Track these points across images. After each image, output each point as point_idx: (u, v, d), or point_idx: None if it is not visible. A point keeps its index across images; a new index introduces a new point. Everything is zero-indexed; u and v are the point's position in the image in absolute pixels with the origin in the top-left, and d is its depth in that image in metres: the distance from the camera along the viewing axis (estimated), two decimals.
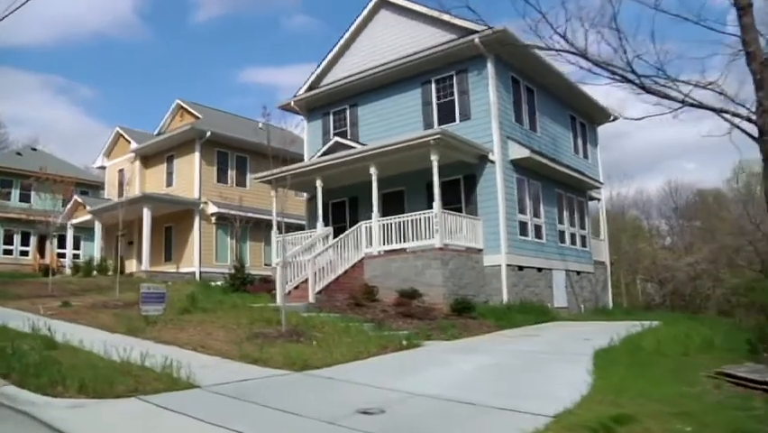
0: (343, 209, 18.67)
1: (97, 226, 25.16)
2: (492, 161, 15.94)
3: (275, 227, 17.87)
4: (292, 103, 19.79)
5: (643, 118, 8.28)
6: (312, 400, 5.90)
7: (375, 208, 15.35)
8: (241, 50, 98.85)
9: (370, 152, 15.19)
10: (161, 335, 10.08)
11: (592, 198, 21.73)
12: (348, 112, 19.14)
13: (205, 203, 24.15)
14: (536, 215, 17.38)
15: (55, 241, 34.77)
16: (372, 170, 15.49)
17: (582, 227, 20.24)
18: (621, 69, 8.33)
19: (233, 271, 16.99)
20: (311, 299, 13.84)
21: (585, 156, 21.55)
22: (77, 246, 36.70)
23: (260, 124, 29.20)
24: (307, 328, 10.59)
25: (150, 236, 22.72)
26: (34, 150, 39.02)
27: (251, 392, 6.07)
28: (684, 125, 76.93)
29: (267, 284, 16.57)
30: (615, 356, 8.29)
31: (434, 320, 12.64)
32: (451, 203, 16.13)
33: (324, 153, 16.79)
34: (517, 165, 16.50)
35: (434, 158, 14.49)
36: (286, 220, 25.92)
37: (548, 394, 5.87)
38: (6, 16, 10.90)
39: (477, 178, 16.18)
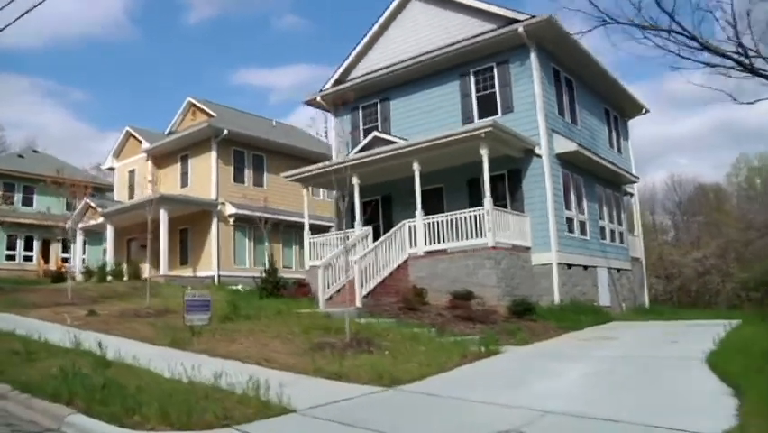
0: (376, 208, 17.73)
1: (109, 230, 24.04)
2: (538, 155, 15.10)
3: (307, 228, 16.93)
4: (318, 98, 18.83)
5: (756, 102, 7.40)
6: (436, 424, 5.07)
7: (419, 206, 14.44)
8: (233, 52, 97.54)
9: (413, 147, 14.28)
10: (213, 347, 9.14)
11: (626, 193, 20.95)
12: (379, 106, 18.22)
13: (223, 204, 23.11)
14: (580, 211, 16.56)
15: (59, 245, 33.72)
16: (415, 166, 14.59)
17: (620, 223, 19.45)
18: (732, 53, 7.46)
19: (263, 274, 16.01)
20: (358, 303, 12.90)
21: (619, 150, 20.77)
22: (82, 251, 35.60)
23: (274, 122, 28.32)
24: (371, 336, 9.68)
25: (167, 240, 21.65)
26: (36, 152, 37.75)
27: (358, 416, 5.21)
28: (683, 121, 76.57)
29: (302, 288, 15.62)
30: (737, 361, 7.43)
31: (495, 323, 11.79)
32: (495, 199, 15.20)
33: (363, 149, 15.83)
34: (562, 159, 15.67)
35: (484, 152, 13.62)
36: (302, 220, 24.93)
37: (692, 407, 5.27)
38: (12, 23, 9.89)
39: (522, 173, 15.33)
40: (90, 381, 6.19)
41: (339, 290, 14.08)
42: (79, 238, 26.32)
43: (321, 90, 19.19)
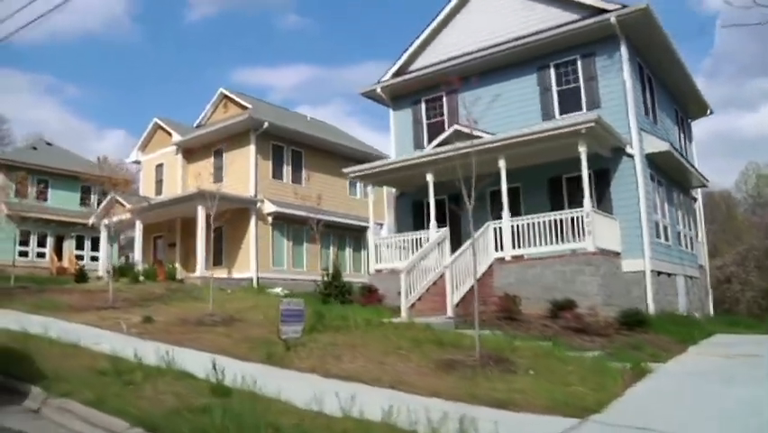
0: (442, 208, 16.74)
1: (138, 227, 22.86)
2: (629, 155, 14.21)
3: (371, 229, 15.90)
4: (378, 89, 17.82)
5: None
6: None
7: (506, 207, 13.51)
8: (232, 51, 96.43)
9: (503, 143, 13.33)
10: (320, 365, 8.12)
11: (693, 198, 20.14)
12: (445, 99, 17.24)
13: (262, 201, 22.01)
14: (663, 215, 15.68)
15: (73, 242, 32.44)
16: (501, 163, 13.65)
17: (691, 229, 18.61)
18: None
19: (327, 278, 14.97)
20: (449, 312, 11.91)
21: (685, 153, 19.93)
22: (94, 248, 34.32)
23: (309, 117, 27.26)
24: (499, 352, 8.69)
25: (205, 238, 20.51)
26: (49, 144, 36.32)
27: None
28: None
29: (372, 294, 14.58)
30: None
31: (609, 336, 10.86)
32: (579, 201, 14.30)
33: (442, 143, 14.83)
34: (650, 160, 14.78)
35: (583, 149, 12.69)
36: (345, 221, 24.01)
37: None
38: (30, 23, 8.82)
39: (611, 173, 14.42)
40: (239, 419, 5.03)
41: (420, 298, 13.10)
42: (104, 235, 25.07)
43: (379, 81, 18.16)
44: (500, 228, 13.49)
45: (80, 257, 32.45)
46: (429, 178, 14.65)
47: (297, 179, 23.83)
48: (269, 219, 22.16)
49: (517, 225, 13.43)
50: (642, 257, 13.77)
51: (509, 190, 15.51)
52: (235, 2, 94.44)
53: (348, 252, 25.84)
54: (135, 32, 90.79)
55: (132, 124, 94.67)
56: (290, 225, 22.99)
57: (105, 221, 24.84)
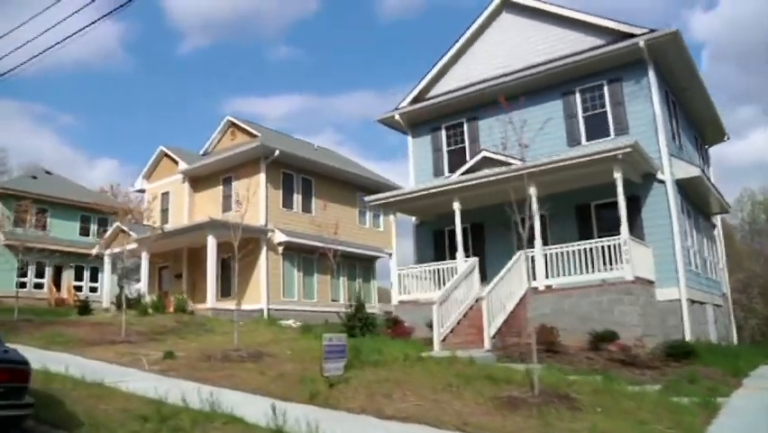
0: (465, 237, 16.37)
1: (144, 258, 22.26)
2: (661, 181, 13.96)
3: (394, 259, 15.45)
4: (396, 116, 17.58)
5: None
6: None
7: (538, 235, 13.15)
8: (225, 81, 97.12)
9: (535, 169, 13.00)
10: (370, 404, 7.67)
11: (713, 225, 19.91)
12: (466, 126, 17.03)
13: (272, 231, 21.54)
14: (692, 242, 15.37)
15: (72, 272, 31.68)
16: (532, 191, 13.24)
17: (713, 256, 18.32)
18: None
19: (350, 310, 14.41)
20: (486, 344, 11.42)
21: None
22: (93, 278, 33.56)
23: (316, 146, 27.01)
24: (556, 388, 8.24)
25: (215, 269, 20.00)
26: (48, 173, 35.77)
27: None
28: None
29: (398, 326, 14.05)
30: None
31: (658, 368, 10.42)
32: (609, 228, 13.99)
33: (469, 170, 14.51)
34: (679, 185, 14.53)
35: (618, 175, 12.43)
36: (356, 251, 23.56)
37: None
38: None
39: (641, 199, 14.16)
40: None
41: (452, 330, 12.62)
42: (107, 266, 24.43)
43: (396, 108, 17.95)
44: (532, 257, 13.10)
45: (79, 288, 31.68)
46: (456, 206, 14.31)
47: (307, 207, 23.43)
48: (280, 249, 21.67)
49: (549, 255, 13.05)
50: (676, 285, 13.41)
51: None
52: (227, 33, 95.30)
53: (358, 282, 25.31)
54: (128, 62, 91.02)
55: (123, 154, 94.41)
56: (300, 255, 22.50)
57: (109, 251, 24.27)
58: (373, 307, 26.15)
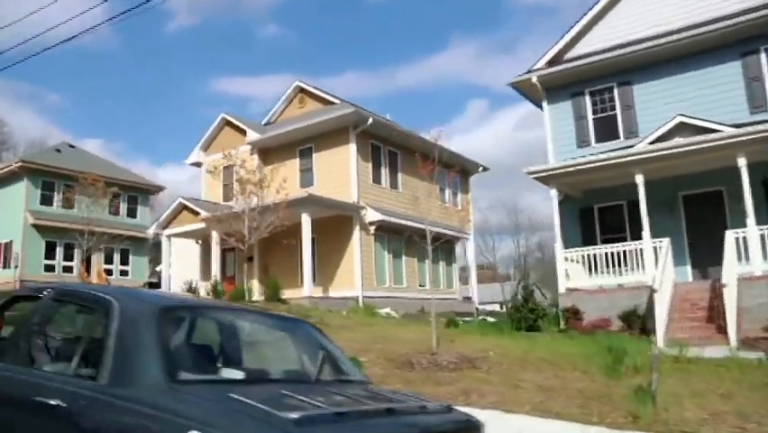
0: (619, 216, 15.09)
1: (215, 238, 20.50)
2: None
3: (559, 241, 14.03)
4: (533, 78, 16.09)
5: None
6: None
7: (750, 211, 11.83)
8: (212, 61, 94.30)
9: (747, 137, 11.71)
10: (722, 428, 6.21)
11: None
12: (617, 91, 15.62)
13: (364, 208, 19.96)
14: None
15: (101, 255, 29.73)
16: (741, 161, 12.01)
17: None
18: None
19: (520, 298, 13.05)
20: (733, 340, 10.14)
21: None
22: (124, 261, 31.63)
23: (388, 116, 25.32)
24: None
25: (312, 252, 18.42)
26: (72, 147, 33.47)
27: None
28: None
29: (577, 317, 12.71)
30: None
31: None
32: None
33: (660, 138, 13.10)
34: None
35: None
36: (442, 231, 22.09)
37: None
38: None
39: None
40: None
41: (668, 322, 11.32)
42: (165, 247, 22.58)
43: (530, 71, 16.45)
44: (743, 237, 11.83)
45: (108, 271, 29.72)
46: (639, 179, 12.95)
47: (394, 183, 21.87)
48: (372, 229, 20.12)
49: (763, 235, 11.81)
50: None
51: (705, 196, 14.06)
52: (214, 12, 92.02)
53: (441, 265, 23.92)
54: (113, 40, 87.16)
55: (107, 134, 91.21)
56: (390, 237, 21.00)
57: (168, 231, 22.44)
58: (454, 293, 24.86)
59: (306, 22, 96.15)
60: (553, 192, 14.19)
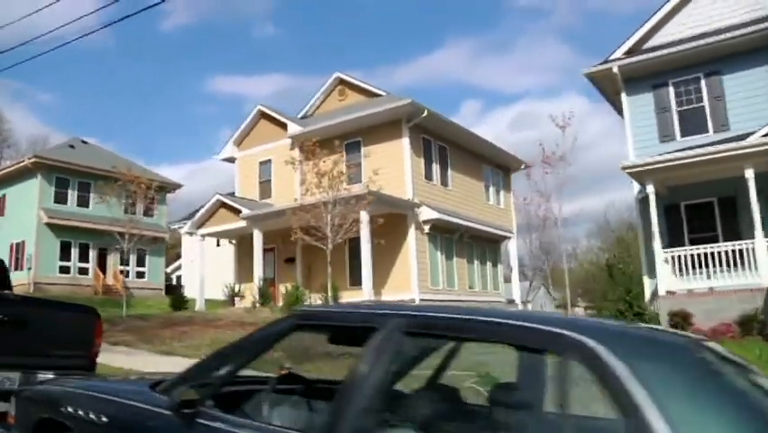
0: (710, 214, 14.56)
1: (257, 237, 19.67)
2: None
3: (657, 239, 13.42)
4: (615, 68, 15.50)
5: None
6: None
7: None
8: (207, 59, 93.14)
9: None
10: None
11: None
12: (704, 82, 15.08)
13: (419, 206, 19.26)
14: None
15: (117, 256, 28.68)
16: None
17: None
18: None
19: (625, 305, 12.42)
20: None
21: None
22: (140, 263, 30.58)
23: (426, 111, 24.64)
24: None
25: (371, 252, 17.69)
26: (85, 142, 32.30)
27: None
28: None
29: (688, 324, 12.09)
30: None
31: None
32: None
33: None
34: None
35: None
36: (489, 230, 21.54)
37: None
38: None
39: None
40: None
41: None
42: (199, 247, 21.65)
43: (608, 60, 15.88)
44: None
45: (126, 273, 28.65)
46: (749, 173, 12.42)
47: (444, 180, 21.19)
48: (426, 228, 19.41)
49: None
50: None
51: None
52: (211, 11, 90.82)
53: (488, 266, 23.29)
54: (109, 39, 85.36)
55: (101, 133, 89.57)
56: (442, 236, 20.33)
57: (204, 230, 21.51)
58: (500, 294, 24.24)
59: (301, 20, 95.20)
60: (650, 188, 13.60)
